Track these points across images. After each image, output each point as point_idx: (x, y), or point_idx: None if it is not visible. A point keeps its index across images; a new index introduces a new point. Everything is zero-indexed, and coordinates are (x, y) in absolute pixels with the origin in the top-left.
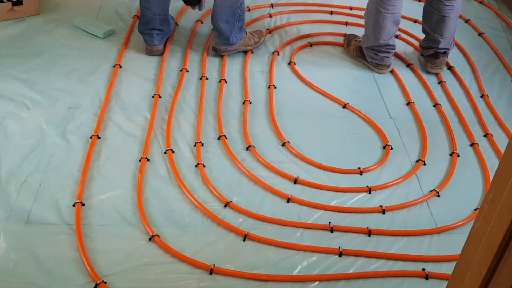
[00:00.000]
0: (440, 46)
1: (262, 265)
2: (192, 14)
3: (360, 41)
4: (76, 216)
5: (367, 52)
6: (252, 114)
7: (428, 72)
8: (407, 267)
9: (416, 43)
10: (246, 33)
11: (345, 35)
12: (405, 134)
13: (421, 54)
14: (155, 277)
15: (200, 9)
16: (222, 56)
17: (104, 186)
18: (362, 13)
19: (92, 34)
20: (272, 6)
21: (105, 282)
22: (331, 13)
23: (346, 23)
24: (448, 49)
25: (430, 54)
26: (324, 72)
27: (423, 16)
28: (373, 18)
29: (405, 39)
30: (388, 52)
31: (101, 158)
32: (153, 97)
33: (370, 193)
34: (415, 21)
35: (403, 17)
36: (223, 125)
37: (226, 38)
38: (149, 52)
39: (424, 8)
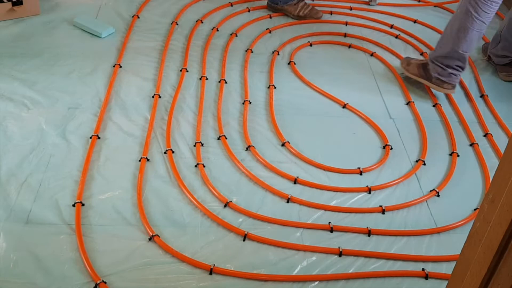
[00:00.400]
0: None
1: (262, 265)
2: (192, 14)
3: (421, 60)
4: (76, 216)
5: (433, 66)
6: (252, 114)
7: (505, 81)
8: (407, 267)
9: (416, 42)
10: (298, 3)
11: (402, 58)
12: (405, 134)
13: (491, 62)
14: (155, 277)
15: None
16: (222, 56)
17: (104, 186)
18: (362, 13)
19: (92, 34)
20: None
21: (105, 282)
22: (331, 13)
23: (346, 23)
24: None
25: (506, 63)
26: (324, 72)
27: (508, 24)
28: (460, 20)
29: (405, 39)
30: (457, 70)
31: (101, 158)
32: (153, 97)
33: (370, 193)
34: (415, 21)
35: (402, 17)
36: (223, 125)
37: None
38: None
39: (509, 16)
